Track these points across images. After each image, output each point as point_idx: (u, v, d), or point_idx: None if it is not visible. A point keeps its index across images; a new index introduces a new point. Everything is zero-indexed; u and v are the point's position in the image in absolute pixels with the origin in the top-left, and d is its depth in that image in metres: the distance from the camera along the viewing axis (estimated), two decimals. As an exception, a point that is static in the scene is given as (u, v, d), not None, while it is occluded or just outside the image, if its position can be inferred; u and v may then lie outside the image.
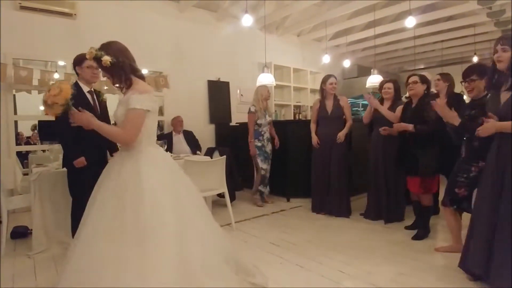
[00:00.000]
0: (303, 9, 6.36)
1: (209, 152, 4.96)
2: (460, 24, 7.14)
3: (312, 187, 4.27)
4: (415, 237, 3.21)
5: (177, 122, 5.36)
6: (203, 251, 1.81)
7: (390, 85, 3.81)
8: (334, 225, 3.77)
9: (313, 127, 4.27)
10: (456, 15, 6.93)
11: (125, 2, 5.24)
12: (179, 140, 5.29)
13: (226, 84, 6.57)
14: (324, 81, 4.14)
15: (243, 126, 5.55)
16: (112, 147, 3.04)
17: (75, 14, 4.72)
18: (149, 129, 1.90)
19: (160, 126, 6.09)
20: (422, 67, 10.71)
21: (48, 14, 4.57)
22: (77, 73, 2.90)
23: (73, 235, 2.74)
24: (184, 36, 5.96)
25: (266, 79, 5.26)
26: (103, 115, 2.88)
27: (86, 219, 1.77)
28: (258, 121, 4.52)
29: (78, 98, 2.57)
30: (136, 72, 1.94)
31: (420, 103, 3.25)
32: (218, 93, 6.44)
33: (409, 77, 3.37)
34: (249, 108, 4.57)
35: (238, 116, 6.54)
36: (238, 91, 6.78)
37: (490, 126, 2.10)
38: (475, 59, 8.05)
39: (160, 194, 1.73)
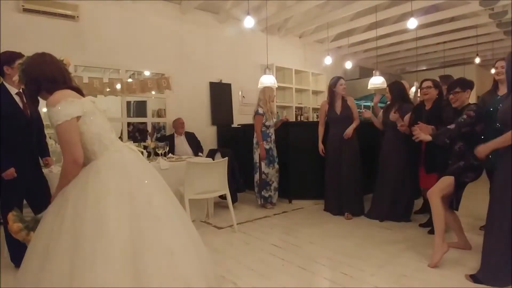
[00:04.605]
0: (305, 11, 6.37)
1: (211, 154, 4.95)
2: (462, 25, 7.13)
3: (325, 187, 4.28)
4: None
5: (178, 124, 5.36)
6: (170, 264, 1.59)
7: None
8: (337, 226, 3.75)
9: (320, 130, 4.29)
10: (458, 16, 6.92)
11: (127, 4, 5.26)
12: (181, 142, 5.29)
13: (228, 85, 6.57)
14: (333, 83, 4.15)
15: (245, 128, 5.55)
16: (44, 153, 2.95)
17: (77, 16, 4.73)
18: (95, 134, 1.70)
19: (160, 128, 6.11)
20: (424, 68, 10.70)
21: (51, 17, 4.58)
22: (2, 74, 2.63)
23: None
24: (186, 38, 5.97)
25: (268, 80, 5.26)
26: (35, 118, 2.74)
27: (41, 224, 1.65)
28: (267, 123, 4.49)
29: (5, 101, 2.50)
30: (51, 90, 1.69)
31: (436, 106, 3.30)
32: (220, 94, 6.44)
33: (422, 82, 3.46)
34: (257, 110, 4.48)
35: (240, 117, 6.54)
36: (240, 92, 6.78)
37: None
38: (477, 60, 8.05)
39: (105, 202, 1.56)
